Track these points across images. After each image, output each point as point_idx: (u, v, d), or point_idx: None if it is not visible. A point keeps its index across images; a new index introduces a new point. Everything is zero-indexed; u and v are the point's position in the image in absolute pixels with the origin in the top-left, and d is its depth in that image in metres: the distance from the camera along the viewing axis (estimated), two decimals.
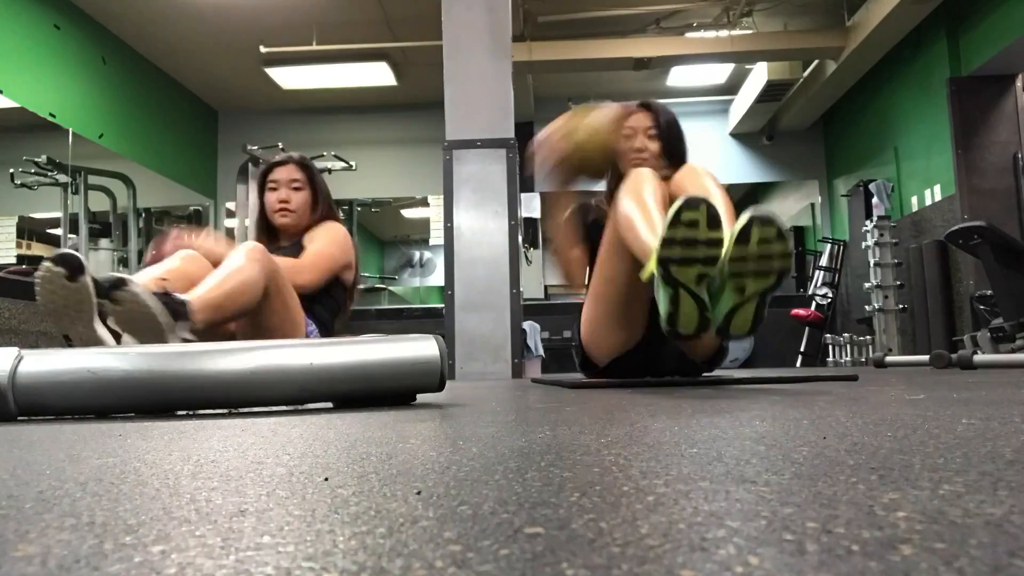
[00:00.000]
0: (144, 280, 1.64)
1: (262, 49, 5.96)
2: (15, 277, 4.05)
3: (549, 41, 5.94)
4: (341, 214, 3.11)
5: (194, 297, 1.60)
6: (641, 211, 1.69)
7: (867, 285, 5.76)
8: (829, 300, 6.56)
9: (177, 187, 6.67)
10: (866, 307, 5.80)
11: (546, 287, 7.59)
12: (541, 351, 5.61)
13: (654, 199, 1.74)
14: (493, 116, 3.64)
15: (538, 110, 7.31)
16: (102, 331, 1.48)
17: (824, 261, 6.89)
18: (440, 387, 1.21)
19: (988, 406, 0.86)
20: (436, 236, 7.60)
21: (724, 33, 5.91)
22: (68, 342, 1.48)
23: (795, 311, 6.48)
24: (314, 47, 5.94)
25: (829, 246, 6.92)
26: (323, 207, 2.30)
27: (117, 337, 1.49)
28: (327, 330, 2.19)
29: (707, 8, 5.83)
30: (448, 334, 3.50)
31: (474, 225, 3.59)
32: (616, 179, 2.22)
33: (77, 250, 1.54)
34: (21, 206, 4.93)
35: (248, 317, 1.83)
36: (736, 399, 1.12)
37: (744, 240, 1.35)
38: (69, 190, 4.95)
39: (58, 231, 5.00)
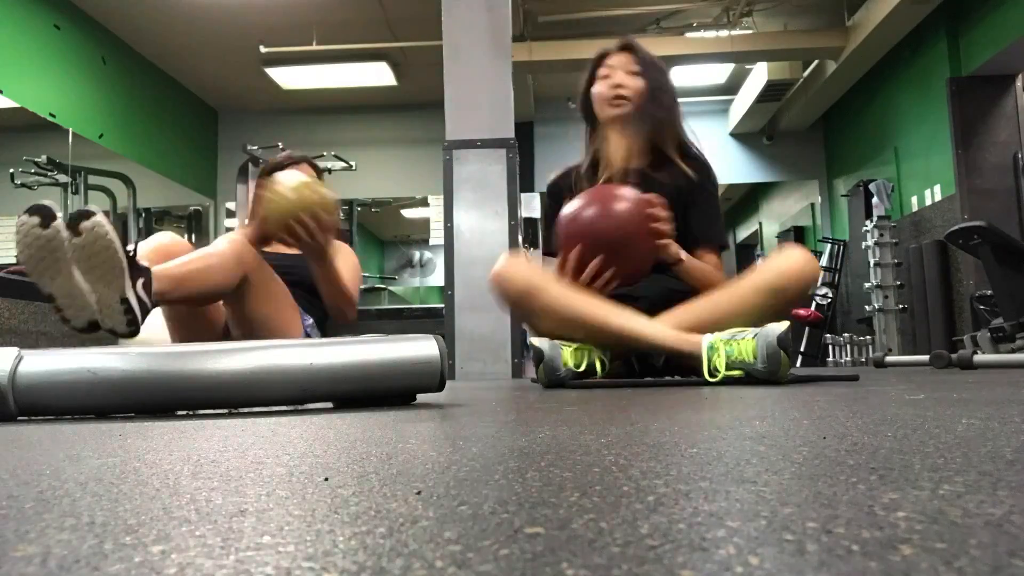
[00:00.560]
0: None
1: (262, 49, 5.96)
2: (15, 277, 4.05)
3: (549, 41, 5.95)
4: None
5: (157, 267, 1.61)
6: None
7: (867, 285, 5.76)
8: (829, 300, 6.56)
9: (177, 187, 6.67)
10: (866, 307, 5.80)
11: None
12: None
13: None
14: (493, 116, 3.64)
15: (538, 110, 7.31)
16: (81, 283, 1.48)
17: (824, 261, 6.90)
18: (440, 387, 1.21)
19: (988, 406, 0.86)
20: (436, 236, 7.60)
21: (724, 33, 5.92)
22: (53, 302, 1.49)
23: (795, 311, 6.49)
24: (314, 47, 5.95)
25: (829, 246, 6.92)
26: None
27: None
28: (324, 324, 2.19)
29: (707, 8, 5.83)
30: (448, 334, 3.50)
31: (474, 225, 3.59)
32: (593, 129, 2.13)
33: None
34: (21, 206, 4.92)
35: (231, 307, 1.85)
36: (736, 399, 1.12)
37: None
38: (69, 190, 4.95)
39: None
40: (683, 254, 1.90)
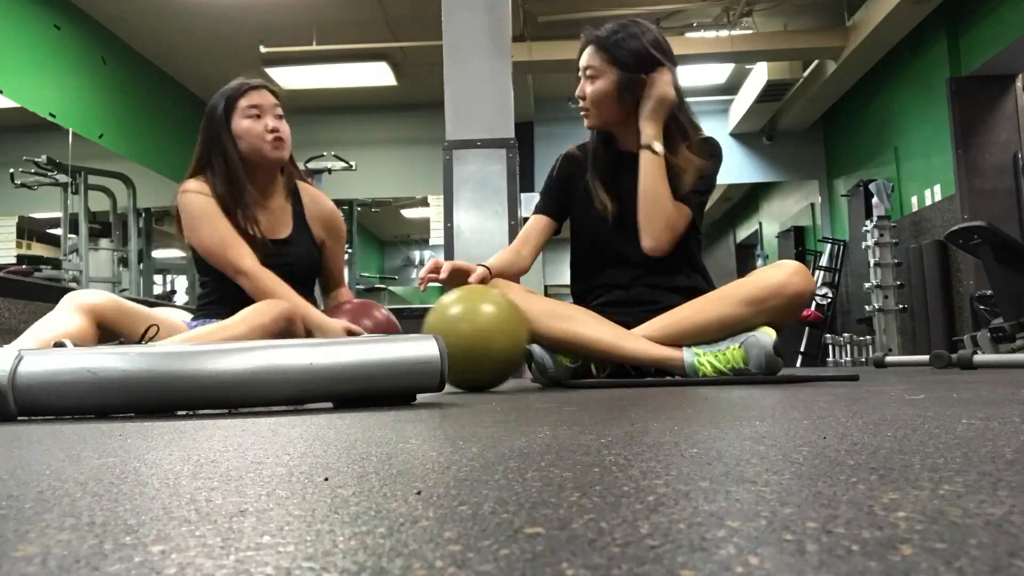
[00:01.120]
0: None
1: (262, 49, 5.96)
2: (15, 277, 4.06)
3: (549, 41, 5.94)
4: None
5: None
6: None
7: (867, 285, 5.76)
8: (829, 300, 6.56)
9: (177, 187, 6.66)
10: (866, 307, 5.80)
11: (546, 287, 7.60)
12: None
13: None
14: (493, 116, 3.64)
15: (538, 110, 7.32)
16: None
17: (824, 261, 6.90)
18: (440, 387, 1.21)
19: (988, 406, 0.86)
20: (436, 236, 7.60)
21: (724, 33, 5.92)
22: None
23: None
24: (314, 47, 5.95)
25: (829, 246, 6.92)
26: None
27: None
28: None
29: (707, 8, 5.83)
30: None
31: (474, 225, 3.59)
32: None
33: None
34: (21, 206, 4.93)
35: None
36: (736, 399, 1.12)
37: None
38: (69, 190, 4.95)
39: (58, 231, 4.99)
40: (659, 147, 1.87)
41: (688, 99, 2.02)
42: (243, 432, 0.80)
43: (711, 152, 1.97)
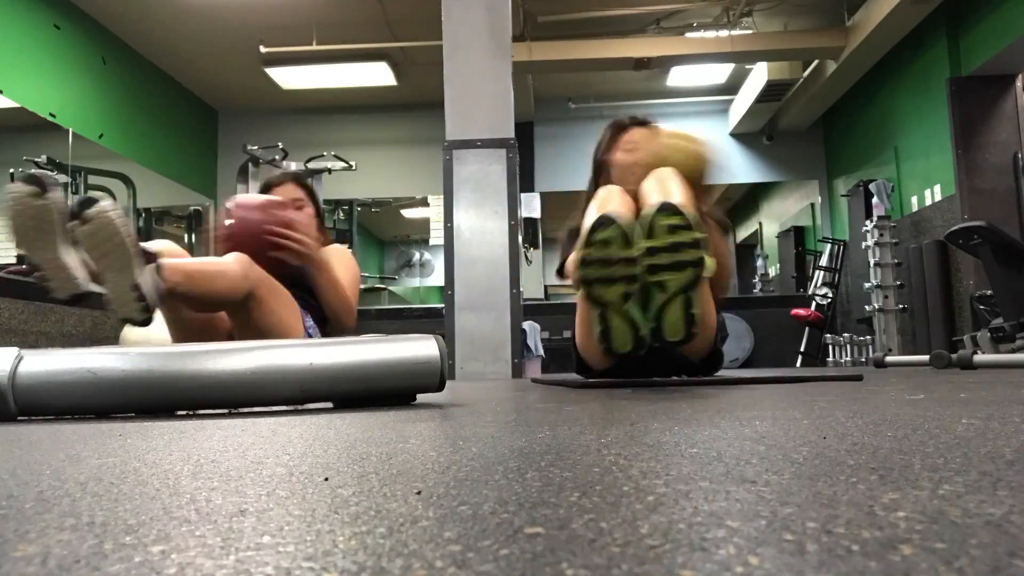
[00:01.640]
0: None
1: (262, 49, 5.96)
2: (15, 277, 4.06)
3: (549, 41, 5.95)
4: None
5: (168, 260, 1.59)
6: None
7: (867, 285, 5.76)
8: (829, 300, 6.56)
9: (177, 187, 6.67)
10: (866, 307, 5.80)
11: (546, 287, 7.59)
12: (541, 351, 5.61)
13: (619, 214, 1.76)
14: (493, 116, 3.64)
15: (538, 110, 7.32)
16: (68, 257, 1.45)
17: (824, 261, 6.90)
18: (440, 387, 1.21)
19: (988, 406, 0.86)
20: (436, 236, 7.60)
21: (724, 33, 5.92)
22: (38, 273, 1.45)
23: (795, 311, 6.49)
24: (314, 47, 5.95)
25: (829, 246, 6.92)
26: (322, 221, 2.30)
27: (92, 277, 1.48)
28: (324, 324, 2.18)
29: (707, 8, 5.83)
30: (448, 334, 3.50)
31: (474, 225, 3.59)
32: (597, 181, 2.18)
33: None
34: None
35: (237, 319, 1.83)
36: (736, 399, 1.12)
37: (651, 234, 1.40)
38: (69, 190, 4.95)
39: None
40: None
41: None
42: (243, 432, 0.80)
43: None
